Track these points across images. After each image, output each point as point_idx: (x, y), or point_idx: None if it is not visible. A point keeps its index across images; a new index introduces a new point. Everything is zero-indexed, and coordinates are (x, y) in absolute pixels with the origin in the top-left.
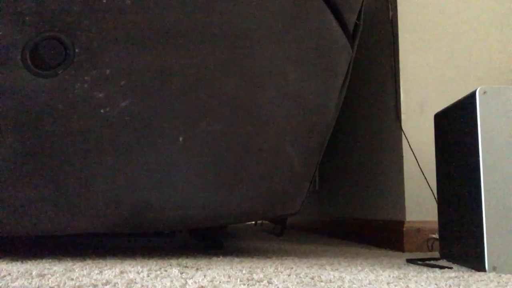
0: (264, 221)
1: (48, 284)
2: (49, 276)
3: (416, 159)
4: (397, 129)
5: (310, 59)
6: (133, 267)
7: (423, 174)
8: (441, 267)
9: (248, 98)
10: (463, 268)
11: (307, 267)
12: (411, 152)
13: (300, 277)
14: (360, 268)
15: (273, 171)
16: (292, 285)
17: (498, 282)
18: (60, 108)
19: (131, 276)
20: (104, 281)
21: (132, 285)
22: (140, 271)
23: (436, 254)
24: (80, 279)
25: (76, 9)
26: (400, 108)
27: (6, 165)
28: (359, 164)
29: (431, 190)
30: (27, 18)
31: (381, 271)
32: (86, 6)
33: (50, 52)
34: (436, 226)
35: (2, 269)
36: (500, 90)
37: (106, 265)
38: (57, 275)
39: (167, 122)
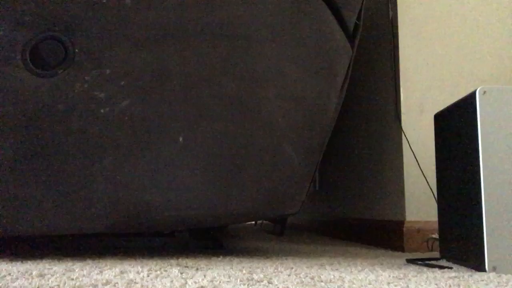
0: (264, 221)
1: (48, 284)
2: (49, 276)
3: (416, 159)
4: (397, 129)
5: (310, 59)
6: (133, 267)
7: (423, 174)
8: (441, 267)
9: (248, 98)
10: (463, 268)
11: (307, 267)
12: (411, 152)
13: (300, 277)
14: (360, 268)
15: (273, 171)
16: (292, 285)
17: (498, 282)
18: (60, 108)
19: (131, 276)
20: (104, 281)
21: (132, 285)
22: (140, 271)
23: (436, 254)
24: (80, 279)
25: (76, 9)
26: (400, 108)
27: (6, 165)
28: (359, 164)
29: (431, 190)
30: (27, 18)
31: (381, 271)
32: (86, 6)
33: (50, 52)
34: (436, 226)
35: (2, 269)
36: (500, 90)
37: (106, 265)
38: (57, 275)
39: (167, 122)
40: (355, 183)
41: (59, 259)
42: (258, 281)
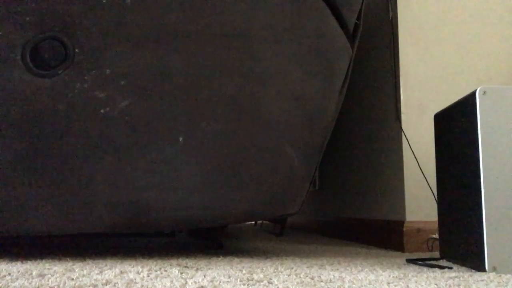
0: (264, 221)
1: (48, 284)
2: (49, 276)
3: (416, 159)
4: (397, 129)
5: (310, 59)
6: (133, 267)
7: (423, 174)
8: (441, 267)
9: (248, 98)
10: (463, 268)
11: (307, 267)
12: (411, 152)
13: (300, 277)
14: (360, 268)
15: (273, 171)
16: (292, 285)
17: (498, 282)
18: (60, 108)
19: (131, 276)
20: (104, 281)
21: (132, 285)
22: (140, 271)
23: (436, 254)
24: (80, 279)
25: (76, 9)
26: (400, 108)
27: (6, 165)
28: (359, 164)
29: (431, 190)
30: (27, 18)
31: (381, 271)
32: (86, 6)
33: (50, 52)
34: (436, 226)
35: (2, 269)
36: (500, 90)
37: (106, 265)
38: (57, 275)
39: (167, 122)
40: (355, 183)
41: (59, 259)
42: (258, 281)
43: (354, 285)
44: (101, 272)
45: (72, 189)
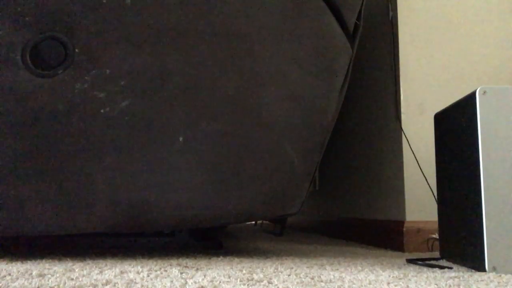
0: (264, 221)
1: (48, 284)
2: (49, 276)
3: (416, 159)
4: (397, 129)
5: (310, 59)
6: (133, 267)
7: (423, 174)
8: (441, 267)
9: (248, 98)
10: (463, 268)
11: (307, 267)
12: (411, 152)
13: (300, 277)
14: (360, 268)
15: (273, 171)
16: (292, 285)
17: (498, 282)
18: (60, 108)
19: (131, 276)
20: (104, 281)
21: (132, 285)
22: (140, 271)
23: (436, 254)
24: (80, 279)
25: (76, 9)
26: (400, 108)
27: (6, 165)
28: (359, 164)
29: (431, 190)
30: (27, 18)
31: (381, 271)
32: (86, 6)
33: (50, 52)
34: (436, 226)
35: (2, 269)
36: (500, 90)
37: (106, 265)
38: (57, 275)
39: (167, 122)
40: (355, 183)
41: (59, 259)
42: (258, 281)
43: (354, 285)
44: (101, 272)
45: (72, 189)
